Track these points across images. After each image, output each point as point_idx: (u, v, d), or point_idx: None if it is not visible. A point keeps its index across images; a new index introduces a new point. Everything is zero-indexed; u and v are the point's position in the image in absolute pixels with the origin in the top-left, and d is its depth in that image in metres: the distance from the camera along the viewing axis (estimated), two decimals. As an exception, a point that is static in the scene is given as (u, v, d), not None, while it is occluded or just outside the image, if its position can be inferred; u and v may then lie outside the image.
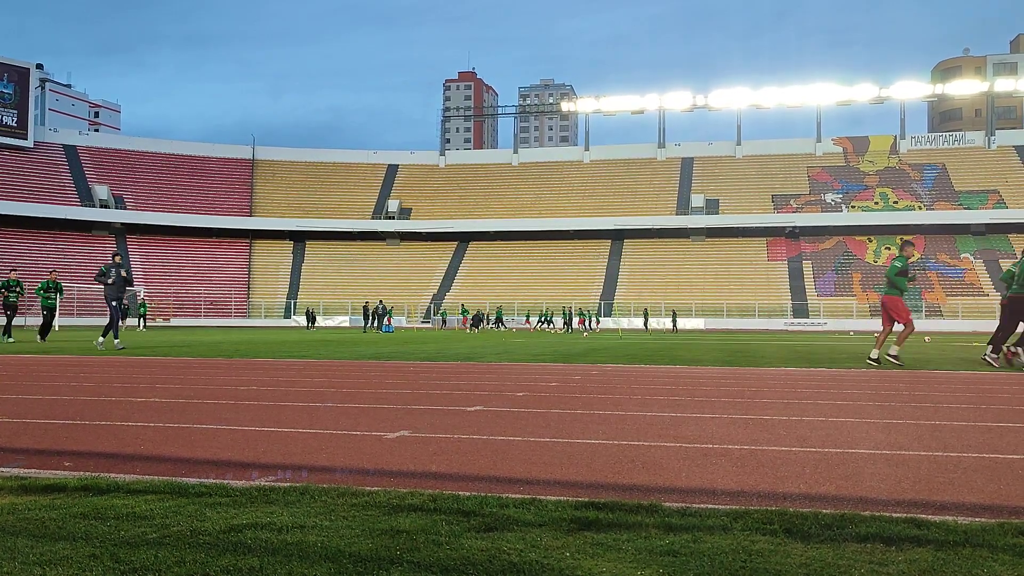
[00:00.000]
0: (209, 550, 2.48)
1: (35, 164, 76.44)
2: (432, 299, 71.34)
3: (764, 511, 2.99)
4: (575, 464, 4.06)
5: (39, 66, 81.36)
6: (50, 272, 21.82)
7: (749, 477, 3.74)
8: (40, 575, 2.24)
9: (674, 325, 56.16)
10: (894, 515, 2.98)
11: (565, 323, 53.06)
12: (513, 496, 3.25)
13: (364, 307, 50.30)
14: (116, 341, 16.98)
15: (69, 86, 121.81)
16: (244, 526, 2.76)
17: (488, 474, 3.81)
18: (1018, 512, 3.10)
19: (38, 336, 20.19)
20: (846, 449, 4.54)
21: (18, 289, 20.74)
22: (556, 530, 2.74)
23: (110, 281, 17.16)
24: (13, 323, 20.25)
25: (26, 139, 76.44)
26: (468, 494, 3.29)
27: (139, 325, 45.17)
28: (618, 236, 76.81)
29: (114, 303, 17.26)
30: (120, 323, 17.72)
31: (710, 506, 3.13)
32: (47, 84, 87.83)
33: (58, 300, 21.56)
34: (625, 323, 61.06)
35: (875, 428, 5.37)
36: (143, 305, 47.60)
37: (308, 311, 59.18)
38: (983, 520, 2.93)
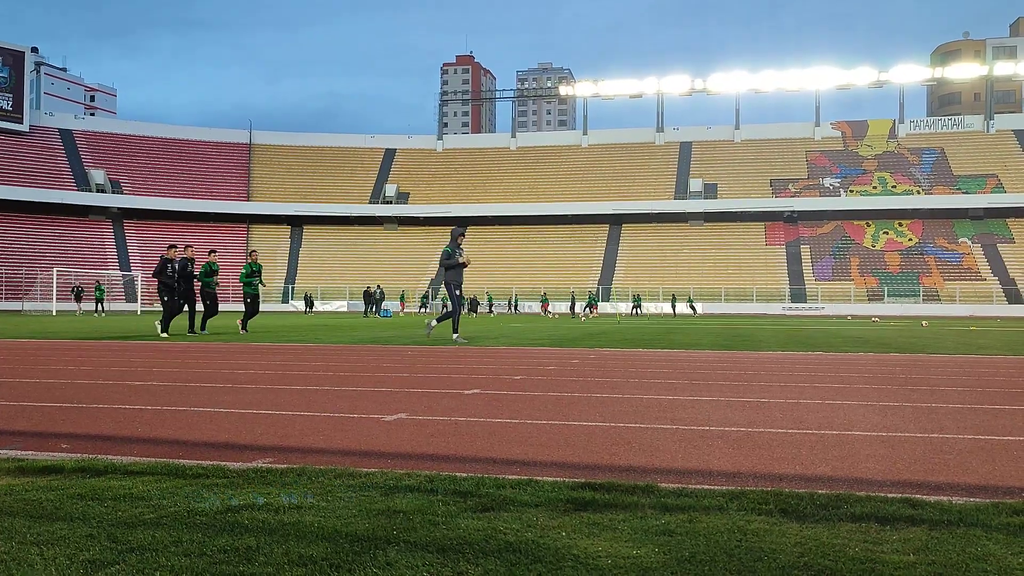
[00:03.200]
0: (206, 530, 2.49)
1: (31, 148, 76.15)
2: (430, 284, 71.32)
3: (760, 492, 3.00)
4: (572, 446, 4.07)
5: (34, 49, 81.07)
6: (232, 254, 20.40)
7: (745, 459, 3.75)
8: (37, 555, 2.24)
9: (674, 309, 56.29)
10: (889, 495, 2.99)
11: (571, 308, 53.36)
12: (510, 477, 3.26)
13: (365, 292, 50.33)
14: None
15: (64, 70, 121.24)
16: (241, 507, 2.76)
17: (485, 455, 3.82)
18: (1013, 492, 3.12)
19: (240, 327, 18.23)
20: (842, 431, 4.55)
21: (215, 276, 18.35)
22: (552, 510, 2.75)
23: (171, 273, 16.64)
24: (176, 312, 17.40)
25: (22, 123, 76.13)
26: (465, 475, 3.30)
27: (96, 310, 45.42)
28: (616, 221, 76.76)
29: (181, 296, 16.92)
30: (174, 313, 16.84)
31: (706, 487, 3.14)
32: (42, 68, 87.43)
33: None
34: (623, 308, 61.11)
35: (871, 411, 5.39)
36: (99, 289, 46.95)
37: (306, 296, 59.21)
38: (978, 500, 2.94)
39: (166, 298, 16.64)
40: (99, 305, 46.12)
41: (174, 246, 17.23)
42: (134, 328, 20.62)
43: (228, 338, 15.73)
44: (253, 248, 20.59)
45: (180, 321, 19.14)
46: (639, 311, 55.29)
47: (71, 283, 59.02)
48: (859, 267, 67.75)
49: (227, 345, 13.22)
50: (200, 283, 17.71)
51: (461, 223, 78.65)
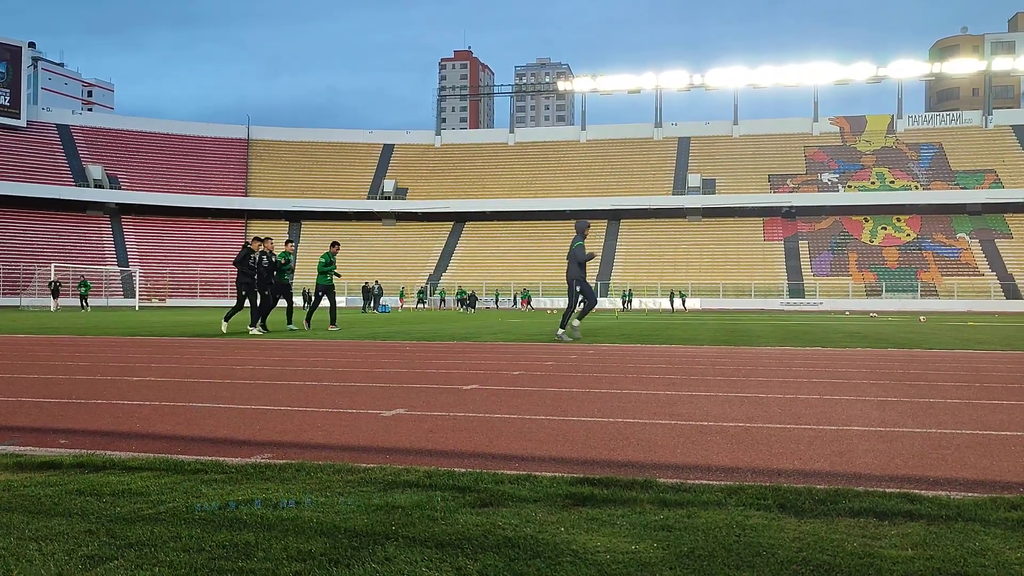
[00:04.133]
0: (205, 526, 2.49)
1: (28, 143, 76.00)
2: (428, 279, 71.29)
3: (758, 487, 3.01)
4: (570, 441, 4.07)
5: (31, 44, 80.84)
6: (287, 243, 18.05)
7: (744, 454, 3.76)
8: (36, 550, 2.24)
9: (672, 305, 56.27)
10: (887, 490, 3.00)
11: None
12: (508, 472, 3.26)
13: (363, 287, 50.31)
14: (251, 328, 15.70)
15: (62, 65, 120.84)
16: (240, 502, 2.76)
17: (484, 451, 3.82)
18: (1011, 487, 3.12)
19: (305, 322, 17.73)
20: (840, 426, 4.56)
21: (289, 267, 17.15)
22: (551, 506, 2.75)
23: (256, 265, 15.89)
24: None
25: (19, 118, 75.96)
26: (463, 470, 3.30)
27: (81, 305, 44.06)
28: (614, 216, 76.73)
29: (266, 291, 16.16)
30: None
31: (705, 482, 3.15)
32: (40, 63, 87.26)
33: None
34: (620, 304, 61.08)
35: (869, 406, 5.40)
36: (84, 284, 45.66)
37: (304, 291, 59.13)
38: (976, 495, 2.95)
39: (244, 292, 15.71)
40: (83, 301, 44.71)
41: (259, 238, 16.49)
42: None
43: (321, 336, 14.75)
44: (336, 240, 19.52)
45: (240, 317, 17.93)
46: (623, 305, 55.33)
47: (69, 278, 58.93)
48: (857, 262, 67.77)
49: (223, 341, 13.20)
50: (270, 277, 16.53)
51: (459, 218, 78.67)
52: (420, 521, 2.55)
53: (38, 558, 2.18)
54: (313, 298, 18.35)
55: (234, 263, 16.03)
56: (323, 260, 17.69)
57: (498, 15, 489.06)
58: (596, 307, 14.38)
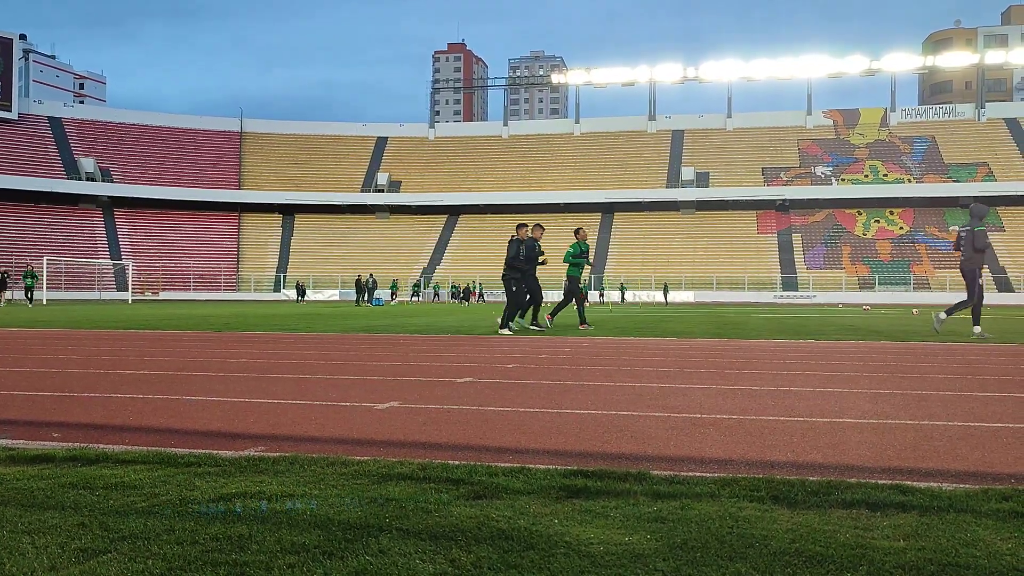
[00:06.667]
0: (198, 518, 2.49)
1: (19, 136, 75.60)
2: (422, 272, 71.23)
3: (751, 479, 3.02)
4: (564, 434, 4.07)
5: (22, 36, 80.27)
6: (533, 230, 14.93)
7: (737, 446, 3.77)
8: (29, 543, 2.24)
9: (665, 298, 56.34)
10: (880, 482, 3.01)
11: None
12: (502, 465, 3.26)
13: (357, 280, 50.26)
14: (520, 321, 14.55)
15: (53, 57, 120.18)
16: (233, 495, 2.76)
17: (477, 443, 3.83)
18: (1002, 478, 3.14)
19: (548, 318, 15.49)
20: (833, 418, 4.57)
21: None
22: (545, 498, 2.75)
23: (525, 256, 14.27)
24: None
25: (10, 111, 75.54)
26: (457, 463, 3.30)
27: (26, 299, 38.03)
28: (608, 209, 76.73)
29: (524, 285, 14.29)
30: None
31: (698, 474, 3.16)
32: (31, 55, 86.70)
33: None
34: (615, 296, 61.19)
35: (862, 398, 5.41)
36: (30, 275, 38.28)
37: (298, 284, 59.05)
38: (967, 486, 2.96)
39: (514, 288, 14.18)
40: (29, 293, 37.91)
41: (524, 225, 14.74)
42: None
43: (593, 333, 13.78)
44: (580, 226, 16.56)
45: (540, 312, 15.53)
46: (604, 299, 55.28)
47: (62, 272, 58.72)
48: (850, 255, 67.94)
49: (217, 334, 13.17)
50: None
51: (453, 211, 78.58)
52: (414, 513, 2.55)
53: (31, 551, 2.18)
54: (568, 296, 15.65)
55: (507, 263, 14.37)
56: (573, 250, 15.43)
57: (492, 7, 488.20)
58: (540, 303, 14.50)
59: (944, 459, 3.49)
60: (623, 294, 58.25)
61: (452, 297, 56.32)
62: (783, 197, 73.54)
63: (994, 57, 78.67)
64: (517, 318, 14.39)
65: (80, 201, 74.07)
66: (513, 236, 14.56)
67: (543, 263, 14.60)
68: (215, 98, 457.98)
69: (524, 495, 2.78)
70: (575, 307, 15.76)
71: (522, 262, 14.26)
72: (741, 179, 75.90)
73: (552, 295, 23.09)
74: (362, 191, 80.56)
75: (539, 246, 14.58)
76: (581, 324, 15.04)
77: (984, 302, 13.97)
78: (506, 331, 13.74)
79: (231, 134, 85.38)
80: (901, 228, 70.48)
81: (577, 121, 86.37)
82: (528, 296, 14.44)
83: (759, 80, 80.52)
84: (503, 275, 14.55)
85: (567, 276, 15.40)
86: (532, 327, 14.44)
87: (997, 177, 71.30)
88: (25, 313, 24.43)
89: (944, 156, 75.05)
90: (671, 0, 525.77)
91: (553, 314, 15.52)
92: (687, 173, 76.98)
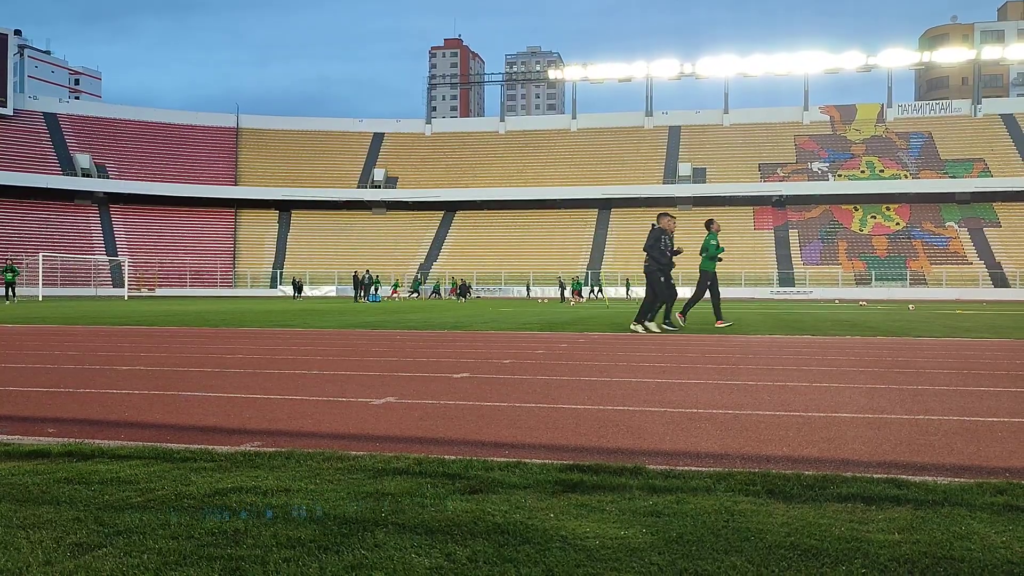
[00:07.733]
0: (194, 513, 2.48)
1: (14, 132, 75.34)
2: (419, 268, 71.17)
3: (747, 473, 3.02)
4: (560, 428, 4.08)
5: (17, 32, 79.97)
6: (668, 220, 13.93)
7: (733, 440, 3.77)
8: (24, 538, 2.23)
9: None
10: (875, 476, 3.02)
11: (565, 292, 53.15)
12: (498, 459, 3.26)
13: (354, 276, 50.20)
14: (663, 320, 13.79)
15: (48, 53, 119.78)
16: (229, 490, 2.76)
17: (474, 438, 3.83)
18: (996, 472, 3.15)
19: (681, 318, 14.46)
20: (829, 413, 4.58)
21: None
22: (541, 492, 2.76)
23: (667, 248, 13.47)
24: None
25: (5, 107, 75.27)
26: (453, 457, 3.30)
27: (7, 296, 35.47)
28: (605, 205, 76.70)
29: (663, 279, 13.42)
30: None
31: (694, 468, 3.16)
32: (26, 51, 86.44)
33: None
34: (612, 292, 61.24)
35: (858, 393, 5.42)
36: (10, 269, 36.20)
37: (295, 281, 58.97)
38: (962, 480, 2.97)
39: (662, 279, 13.35)
40: (10, 290, 35.43)
41: (667, 215, 13.81)
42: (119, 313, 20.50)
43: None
44: (711, 217, 15.32)
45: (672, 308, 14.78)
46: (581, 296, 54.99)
47: (58, 268, 58.59)
48: (847, 251, 67.99)
49: (214, 330, 13.16)
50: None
51: (450, 207, 78.53)
52: (410, 508, 2.55)
53: (26, 546, 2.18)
54: (703, 289, 14.79)
55: (645, 248, 13.44)
56: (714, 243, 14.72)
57: (489, 3, 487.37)
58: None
59: (939, 453, 3.50)
60: (628, 289, 57.91)
61: (450, 293, 56.30)
62: (780, 193, 73.55)
63: (990, 53, 78.70)
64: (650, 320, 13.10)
65: (76, 197, 73.85)
66: (654, 224, 13.47)
67: (679, 252, 13.65)
68: (211, 93, 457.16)
69: (520, 489, 2.78)
70: (707, 302, 14.67)
71: (667, 256, 13.28)
72: (738, 175, 75.90)
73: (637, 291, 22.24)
74: (359, 187, 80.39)
75: (670, 238, 13.52)
76: (718, 321, 14.14)
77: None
78: (640, 328, 12.70)
79: (227, 130, 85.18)
80: (897, 224, 70.54)
81: (574, 117, 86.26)
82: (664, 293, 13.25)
83: (756, 76, 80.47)
84: (645, 267, 13.36)
85: (701, 270, 14.51)
86: (665, 326, 13.41)
87: (993, 173, 71.35)
88: (5, 310, 22.71)
89: (940, 152, 75.10)
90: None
91: (684, 312, 14.44)
92: (684, 169, 76.96)
